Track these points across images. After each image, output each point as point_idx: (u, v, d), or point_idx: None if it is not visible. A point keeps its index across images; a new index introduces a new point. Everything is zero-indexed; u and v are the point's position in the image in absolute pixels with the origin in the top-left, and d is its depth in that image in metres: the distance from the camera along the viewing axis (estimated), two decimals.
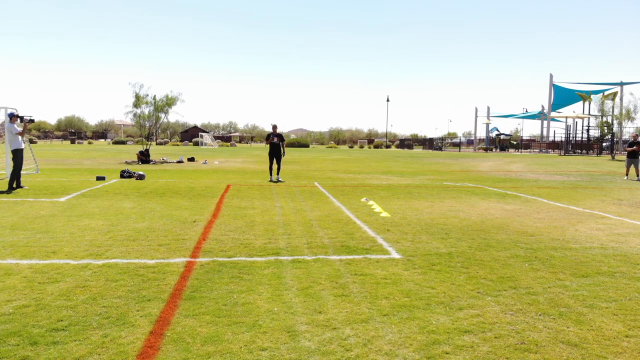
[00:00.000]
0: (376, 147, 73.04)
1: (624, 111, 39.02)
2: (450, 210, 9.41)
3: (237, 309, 3.86)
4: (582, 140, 45.46)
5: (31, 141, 63.78)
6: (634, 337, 3.49)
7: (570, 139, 44.24)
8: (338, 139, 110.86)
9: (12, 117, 12.29)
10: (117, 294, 4.16)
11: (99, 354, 3.05)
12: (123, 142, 72.14)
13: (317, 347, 3.20)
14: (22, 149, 12.16)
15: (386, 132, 69.13)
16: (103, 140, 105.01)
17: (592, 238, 6.97)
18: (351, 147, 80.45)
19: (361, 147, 77.65)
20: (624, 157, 22.77)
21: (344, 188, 13.36)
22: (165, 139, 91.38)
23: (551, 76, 51.16)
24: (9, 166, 12.97)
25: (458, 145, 62.45)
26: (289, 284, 4.56)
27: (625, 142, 51.55)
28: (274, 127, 15.08)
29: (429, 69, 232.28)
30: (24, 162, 12.91)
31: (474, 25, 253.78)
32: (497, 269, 5.23)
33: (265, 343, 3.25)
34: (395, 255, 5.72)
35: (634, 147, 17.92)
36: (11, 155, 12.30)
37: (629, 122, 39.60)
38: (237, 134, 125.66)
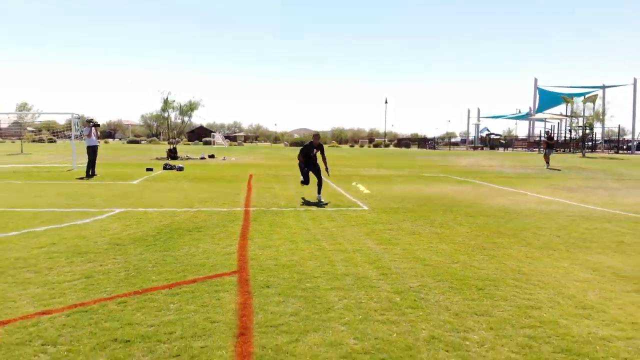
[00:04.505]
0: (376, 146, 76.83)
1: (592, 114, 42.61)
2: (414, 190, 13.22)
3: (278, 224, 7.66)
4: (564, 140, 49.17)
5: (50, 140, 67.86)
6: (475, 235, 7.26)
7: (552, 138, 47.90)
8: (340, 138, 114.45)
9: (87, 122, 16.18)
10: (215, 220, 7.97)
11: (220, 237, 6.84)
12: (137, 142, 75.95)
13: (320, 232, 6.98)
14: (94, 146, 16.00)
15: (385, 132, 73.18)
16: (112, 140, 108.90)
17: (497, 203, 10.75)
18: (352, 146, 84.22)
19: (361, 146, 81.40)
20: (595, 155, 26.55)
21: (341, 177, 17.17)
22: (177, 139, 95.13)
23: (535, 80, 54.98)
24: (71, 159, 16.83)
25: (449, 144, 66.35)
26: (303, 217, 8.36)
27: (607, 141, 55.24)
28: (317, 136, 11.06)
29: (430, 70, 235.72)
30: (85, 156, 16.74)
31: (476, 26, 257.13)
32: (421, 213, 9.03)
33: (294, 236, 7.03)
34: (365, 207, 9.55)
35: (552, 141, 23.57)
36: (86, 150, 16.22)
37: (599, 123, 43.24)
38: (241, 133, 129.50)
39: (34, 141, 52.98)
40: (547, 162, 23.84)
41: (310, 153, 10.79)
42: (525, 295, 4.33)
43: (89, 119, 16.22)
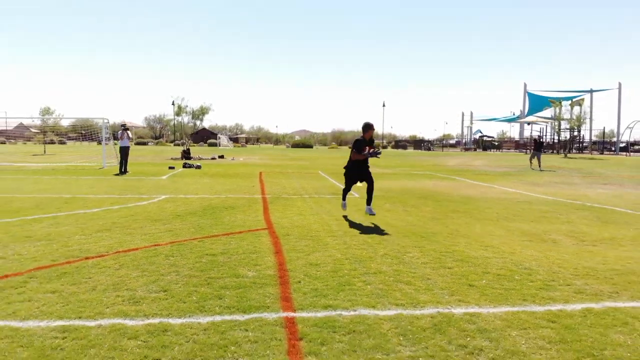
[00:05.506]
0: None
1: (578, 116, 45.11)
2: (400, 184, 15.72)
3: (289, 205, 10.14)
4: (553, 141, 51.65)
5: (61, 142, 70.36)
6: (435, 212, 9.74)
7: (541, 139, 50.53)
8: (340, 140, 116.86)
9: (120, 126, 18.71)
10: (241, 202, 10.46)
11: (249, 212, 9.31)
12: (144, 144, 78.45)
13: (321, 210, 9.45)
14: (126, 147, 18.49)
15: (382, 134, 75.70)
16: (116, 141, 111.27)
17: (466, 193, 13.24)
18: (350, 147, 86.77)
19: None
20: (578, 155, 29.01)
21: (338, 174, 19.66)
22: (182, 141, 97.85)
23: (525, 85, 57.67)
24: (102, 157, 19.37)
25: (442, 146, 69.11)
26: (308, 201, 10.85)
27: (595, 142, 57.70)
28: (370, 127, 8.65)
29: (428, 72, 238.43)
30: (117, 156, 19.24)
31: (476, 28, 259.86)
32: (399, 199, 11.52)
33: (302, 211, 9.49)
34: (356, 195, 12.04)
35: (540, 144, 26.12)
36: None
37: (582, 126, 45.81)
38: (243, 135, 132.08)
39: (44, 142, 55.51)
40: (532, 163, 26.17)
41: (362, 149, 8.51)
42: (452, 241, 6.82)
43: (122, 123, 18.76)
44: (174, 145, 70.84)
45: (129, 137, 18.36)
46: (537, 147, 25.92)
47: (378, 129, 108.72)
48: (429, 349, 3.24)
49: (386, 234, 7.16)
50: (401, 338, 3.42)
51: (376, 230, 7.49)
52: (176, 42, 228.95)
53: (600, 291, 4.61)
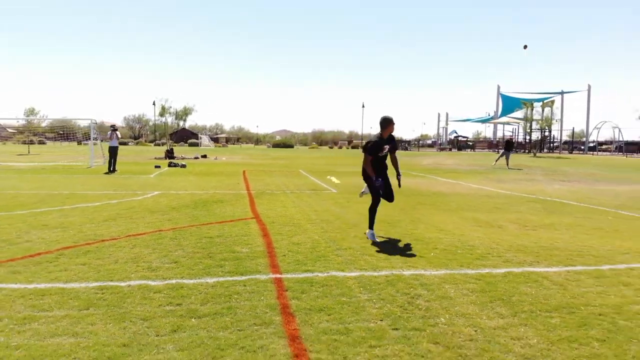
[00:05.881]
0: (354, 147, 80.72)
1: (548, 117, 47.16)
2: None
3: (273, 199, 11.20)
4: (525, 141, 53.74)
5: (41, 142, 69.97)
6: (404, 205, 10.93)
7: (511, 140, 52.55)
8: (320, 140, 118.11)
9: (110, 127, 19.50)
10: (229, 197, 11.47)
11: (237, 205, 10.34)
12: (124, 143, 78.36)
13: (302, 203, 10.54)
14: (115, 147, 19.27)
15: (361, 134, 77.21)
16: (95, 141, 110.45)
17: (435, 189, 14.46)
18: (331, 147, 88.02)
19: (340, 147, 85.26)
20: (546, 155, 30.63)
21: (318, 172, 20.78)
22: (167, 141, 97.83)
23: (498, 87, 59.80)
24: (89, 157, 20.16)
25: (418, 145, 71.08)
26: (290, 196, 11.93)
27: (566, 142, 59.99)
28: (389, 122, 6.96)
29: (408, 74, 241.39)
30: (98, 156, 20.03)
31: (454, 30, 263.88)
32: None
33: (285, 204, 10.57)
34: (334, 191, 13.16)
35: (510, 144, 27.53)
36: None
37: (552, 126, 47.90)
38: (224, 135, 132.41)
39: (25, 142, 55.36)
40: (496, 162, 27.84)
41: (380, 152, 6.93)
42: (413, 226, 7.98)
43: (112, 124, 19.58)
44: (154, 145, 71.12)
45: (117, 138, 19.15)
46: (507, 147, 27.43)
47: (357, 130, 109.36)
48: (381, 295, 4.37)
49: (358, 221, 8.30)
50: (362, 289, 4.54)
51: (350, 219, 8.61)
52: (154, 43, 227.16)
53: (524, 260, 5.80)
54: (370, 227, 6.88)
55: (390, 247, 6.36)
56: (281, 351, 3.23)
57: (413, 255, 5.88)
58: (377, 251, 6.09)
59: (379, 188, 7.04)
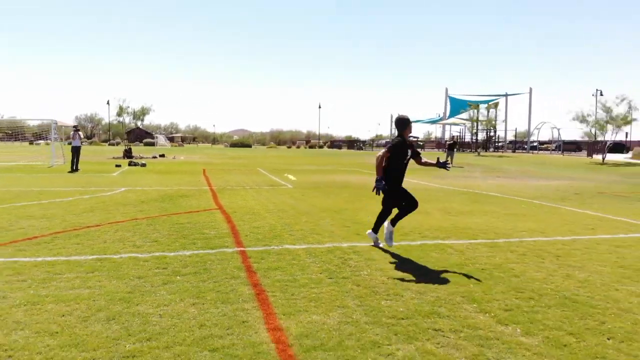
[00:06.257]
0: (311, 147, 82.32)
1: (492, 118, 50.15)
2: (327, 178, 18.31)
3: (234, 194, 12.37)
4: (472, 141, 56.74)
5: None
6: (349, 197, 12.34)
7: (454, 140, 55.41)
8: (279, 139, 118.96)
9: (73, 127, 20.08)
10: (193, 192, 12.54)
11: (201, 199, 11.46)
12: None
13: (261, 197, 11.77)
14: (78, 147, 19.86)
15: (319, 134, 79.09)
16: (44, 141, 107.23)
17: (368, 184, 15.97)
18: (289, 147, 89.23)
19: (298, 147, 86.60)
20: (490, 154, 32.86)
21: (276, 170, 22.01)
22: (117, 140, 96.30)
23: (446, 90, 62.91)
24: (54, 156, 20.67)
25: (372, 145, 73.71)
26: (250, 191, 13.12)
27: (511, 142, 63.55)
28: (408, 121, 6.59)
29: (364, 75, 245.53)
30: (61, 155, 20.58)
31: (408, 35, 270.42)
32: (324, 189, 14.04)
33: (245, 198, 11.76)
34: (290, 186, 14.45)
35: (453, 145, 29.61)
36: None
37: (497, 126, 51.01)
38: (179, 134, 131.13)
39: None
40: (450, 161, 29.98)
41: (403, 159, 6.39)
42: (355, 213, 9.36)
43: (75, 125, 20.14)
44: (109, 145, 70.25)
45: (80, 138, 19.75)
46: (450, 146, 29.52)
47: (314, 130, 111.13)
48: (322, 259, 5.70)
49: (309, 210, 9.62)
50: (308, 255, 5.86)
51: (302, 208, 9.92)
52: (106, 40, 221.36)
53: (438, 236, 7.28)
54: (375, 230, 6.42)
55: (335, 228, 7.71)
56: (247, 292, 4.49)
57: (351, 234, 7.26)
58: (324, 231, 7.43)
59: (396, 201, 6.35)
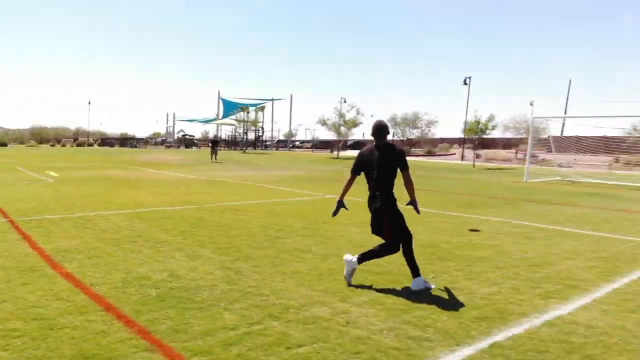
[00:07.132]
0: (80, 145, 77.51)
1: (257, 120, 56.36)
2: (90, 174, 20.05)
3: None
4: (243, 139, 62.18)
5: None
6: (109, 186, 14.80)
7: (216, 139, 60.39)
8: (41, 137, 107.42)
9: None
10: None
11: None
12: None
13: (23, 190, 13.37)
14: None
15: (88, 132, 75.11)
16: None
17: (138, 176, 18.58)
18: (53, 145, 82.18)
19: (64, 145, 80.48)
20: (255, 151, 37.29)
21: (37, 168, 22.55)
22: None
23: (219, 92, 67.67)
24: None
25: (145, 143, 74.45)
26: (10, 187, 14.44)
27: (279, 141, 71.10)
28: (383, 128, 5.10)
29: (140, 74, 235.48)
30: None
31: (185, 37, 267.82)
32: (87, 182, 16.13)
33: (9, 192, 13.20)
34: (50, 181, 16.06)
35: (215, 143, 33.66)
36: None
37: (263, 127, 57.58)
38: None
39: None
40: (212, 157, 33.42)
41: (371, 170, 5.06)
42: (102, 197, 12.04)
43: None
44: None
45: None
46: (213, 144, 33.37)
47: (84, 127, 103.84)
48: (72, 222, 8.47)
49: (66, 197, 11.90)
50: (62, 221, 8.54)
51: (61, 195, 12.13)
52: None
53: (184, 203, 10.59)
54: (416, 274, 4.90)
55: (87, 205, 10.38)
56: (16, 237, 7.06)
57: (102, 208, 10.06)
58: (75, 207, 10.03)
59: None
